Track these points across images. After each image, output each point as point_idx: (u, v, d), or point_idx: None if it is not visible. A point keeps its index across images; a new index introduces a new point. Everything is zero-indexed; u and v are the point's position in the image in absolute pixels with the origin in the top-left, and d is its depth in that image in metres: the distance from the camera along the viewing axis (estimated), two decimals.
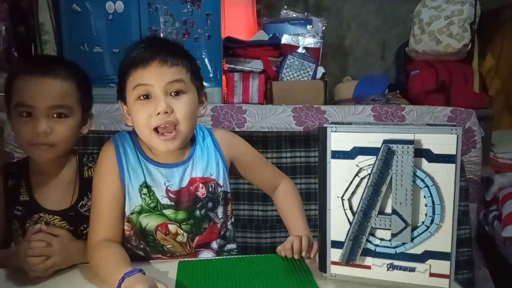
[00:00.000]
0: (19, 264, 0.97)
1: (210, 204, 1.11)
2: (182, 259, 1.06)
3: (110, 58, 2.02)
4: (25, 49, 2.00)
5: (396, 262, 0.91)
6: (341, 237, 0.93)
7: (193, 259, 1.08)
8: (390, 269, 0.92)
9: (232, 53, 2.20)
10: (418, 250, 0.90)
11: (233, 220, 1.22)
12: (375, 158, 0.89)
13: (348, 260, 0.93)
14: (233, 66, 2.18)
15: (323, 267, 0.97)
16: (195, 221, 1.10)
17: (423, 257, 0.89)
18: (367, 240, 0.92)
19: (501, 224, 1.95)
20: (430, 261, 0.89)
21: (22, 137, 1.05)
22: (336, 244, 0.94)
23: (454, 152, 0.86)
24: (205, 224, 1.12)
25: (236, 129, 1.76)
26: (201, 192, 1.10)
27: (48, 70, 1.06)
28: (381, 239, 0.91)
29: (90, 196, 1.12)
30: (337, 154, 0.92)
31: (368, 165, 0.90)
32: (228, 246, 1.17)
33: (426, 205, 0.88)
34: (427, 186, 0.87)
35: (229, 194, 1.18)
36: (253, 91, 2.19)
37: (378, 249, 0.92)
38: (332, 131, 0.93)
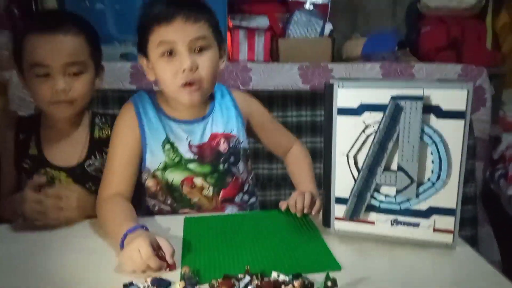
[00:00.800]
0: (23, 211, 0.97)
1: (232, 159, 1.15)
2: (188, 215, 1.08)
3: (112, 15, 1.98)
4: (26, 6, 1.96)
5: (400, 218, 0.92)
6: (345, 194, 0.94)
7: (198, 215, 1.10)
8: (394, 224, 0.92)
9: (238, 9, 2.14)
10: (423, 206, 0.90)
11: (253, 175, 1.26)
12: (382, 115, 0.87)
13: (352, 216, 0.93)
14: (238, 23, 2.13)
15: (327, 222, 0.98)
16: (219, 174, 1.13)
17: (427, 213, 0.90)
18: (372, 196, 0.92)
19: (507, 182, 1.95)
20: (434, 217, 0.89)
21: (42, 97, 1.05)
22: (340, 201, 0.95)
23: (463, 108, 0.84)
24: (228, 178, 1.15)
25: (241, 88, 1.74)
26: (223, 147, 1.14)
27: (58, 26, 1.05)
28: (386, 195, 0.92)
29: (97, 157, 1.15)
30: (344, 111, 0.91)
31: (375, 122, 0.89)
32: (251, 200, 1.21)
33: (432, 162, 0.88)
34: (434, 142, 0.86)
35: (248, 151, 1.21)
36: (258, 49, 2.15)
37: (383, 205, 0.92)
38: (338, 87, 0.91)
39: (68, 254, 0.91)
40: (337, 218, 0.96)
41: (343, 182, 0.94)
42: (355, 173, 0.92)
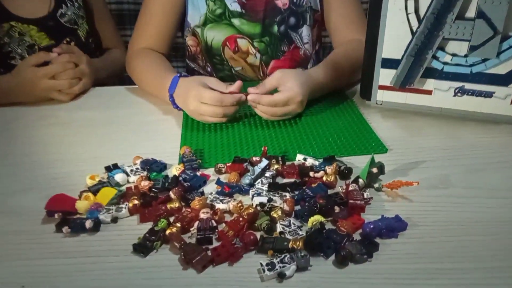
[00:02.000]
0: (26, 92, 0.82)
1: (292, 20, 0.89)
2: None
3: None
4: None
5: (469, 85, 0.69)
6: (396, 53, 0.70)
7: None
8: (459, 94, 0.70)
9: None
10: (502, 69, 0.66)
11: (317, 48, 0.99)
12: None
13: (404, 84, 0.71)
14: None
15: (366, 92, 0.76)
16: (271, 39, 0.89)
17: (507, 79, 0.66)
18: (433, 56, 0.68)
19: None
20: None
21: None
22: (389, 63, 0.71)
23: None
24: (283, 46, 0.91)
25: None
26: (282, 1, 0.87)
27: None
28: (453, 55, 0.67)
29: (68, 4, 0.95)
30: None
31: None
32: None
33: None
34: None
35: (317, 14, 0.92)
36: None
37: (447, 68, 0.68)
38: None
39: (48, 129, 0.74)
40: (381, 87, 0.74)
41: (395, 37, 0.69)
42: (414, 24, 0.67)
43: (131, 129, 0.73)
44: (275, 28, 0.88)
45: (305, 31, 0.91)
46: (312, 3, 0.90)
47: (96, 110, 0.81)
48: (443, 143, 0.66)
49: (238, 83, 0.69)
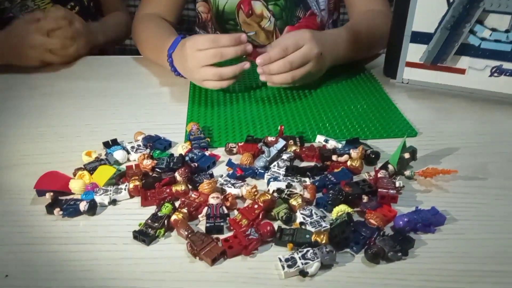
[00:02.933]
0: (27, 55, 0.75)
1: None
2: None
3: None
4: None
5: (508, 65, 0.62)
6: (429, 27, 0.63)
7: None
8: (496, 74, 0.63)
9: None
10: None
11: (335, 18, 0.92)
12: None
13: (436, 61, 0.64)
14: None
15: (391, 69, 0.70)
16: (286, 2, 0.84)
17: None
18: (470, 31, 0.61)
19: None
20: None
21: None
22: (419, 37, 0.64)
23: None
24: (299, 11, 0.85)
25: None
26: None
27: None
28: (493, 30, 0.60)
29: None
30: None
31: None
32: None
33: None
34: None
35: None
36: None
37: (485, 45, 0.61)
38: None
39: (40, 100, 0.67)
40: (409, 64, 0.67)
41: (429, 8, 0.62)
42: None
43: (132, 102, 0.67)
44: None
45: None
46: None
47: (95, 80, 0.74)
48: (478, 128, 0.59)
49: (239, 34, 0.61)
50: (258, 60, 0.60)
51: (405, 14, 0.64)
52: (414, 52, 0.66)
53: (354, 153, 0.50)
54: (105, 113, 0.63)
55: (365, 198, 0.43)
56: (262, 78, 0.62)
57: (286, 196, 0.44)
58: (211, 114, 0.62)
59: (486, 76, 0.64)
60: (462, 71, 0.65)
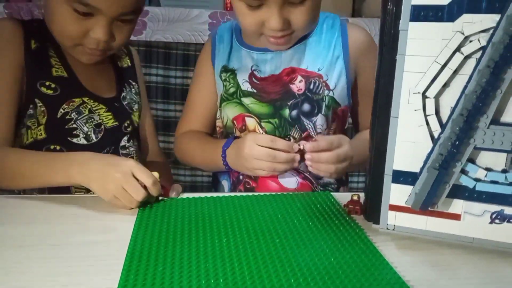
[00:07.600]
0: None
1: (306, 107, 0.84)
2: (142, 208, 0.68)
3: None
4: None
5: (510, 210, 0.52)
6: (413, 165, 0.54)
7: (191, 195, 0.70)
8: (497, 221, 0.53)
9: None
10: None
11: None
12: (498, 18, 0.48)
13: (426, 205, 0.54)
14: None
15: (372, 214, 0.59)
16: (280, 121, 0.83)
17: None
18: (462, 171, 0.53)
19: None
20: None
21: (70, 35, 0.75)
22: (402, 177, 0.55)
23: None
24: (294, 131, 0.84)
25: None
26: (298, 86, 0.84)
27: None
28: (488, 170, 0.52)
29: (127, 89, 0.91)
30: (422, 13, 0.51)
31: (481, 32, 0.49)
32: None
33: None
34: None
35: (341, 109, 0.86)
36: None
37: (480, 187, 0.53)
38: None
39: None
40: (393, 208, 0.57)
41: (411, 145, 0.54)
42: (436, 129, 0.52)
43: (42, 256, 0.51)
44: (287, 111, 0.84)
45: (320, 120, 0.84)
46: (335, 92, 0.84)
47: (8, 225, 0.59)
48: (477, 285, 0.47)
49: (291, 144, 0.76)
50: (308, 145, 0.74)
51: (384, 149, 0.56)
52: (398, 193, 0.56)
53: None
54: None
55: None
56: (308, 163, 0.75)
57: None
58: (148, 272, 0.47)
59: (486, 223, 0.53)
60: (457, 217, 0.54)
